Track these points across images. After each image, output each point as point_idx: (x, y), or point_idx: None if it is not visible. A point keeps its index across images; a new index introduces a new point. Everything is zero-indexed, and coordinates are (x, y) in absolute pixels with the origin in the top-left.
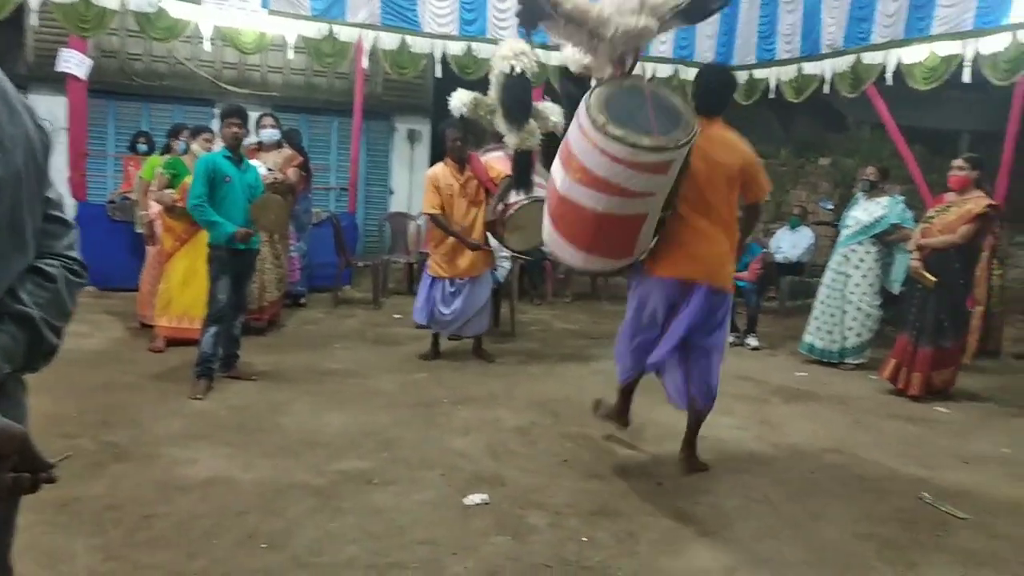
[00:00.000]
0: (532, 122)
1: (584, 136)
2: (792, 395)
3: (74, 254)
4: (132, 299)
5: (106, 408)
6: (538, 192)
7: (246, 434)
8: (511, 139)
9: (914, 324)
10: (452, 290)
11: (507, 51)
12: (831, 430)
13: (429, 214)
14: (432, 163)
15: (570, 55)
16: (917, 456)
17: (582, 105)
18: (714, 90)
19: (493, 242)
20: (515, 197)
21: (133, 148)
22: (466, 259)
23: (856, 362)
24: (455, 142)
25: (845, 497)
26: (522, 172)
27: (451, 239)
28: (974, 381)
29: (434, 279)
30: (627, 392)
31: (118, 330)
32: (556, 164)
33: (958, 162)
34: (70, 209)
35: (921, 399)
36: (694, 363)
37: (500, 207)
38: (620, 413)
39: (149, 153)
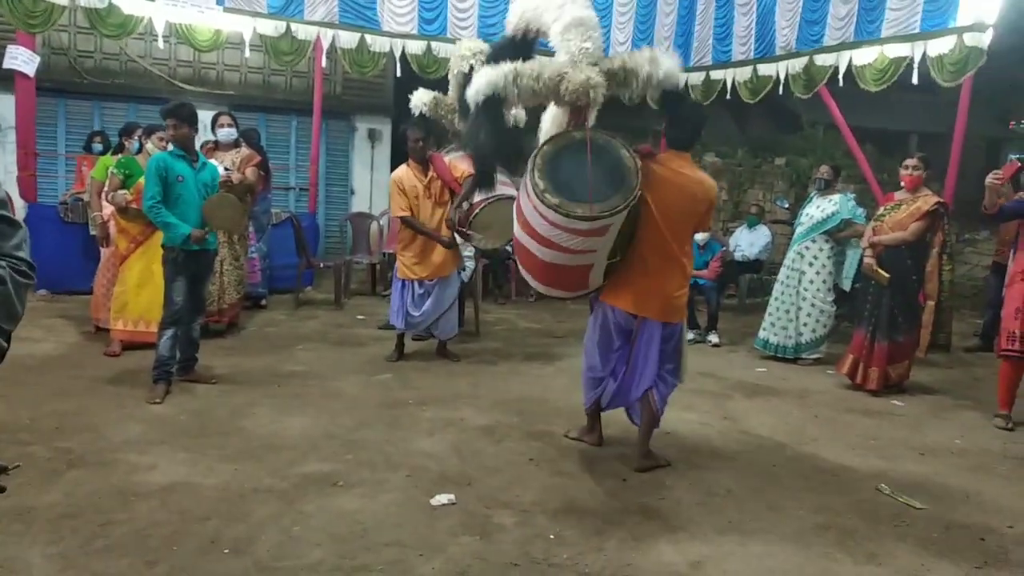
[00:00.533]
0: None
1: (528, 197)
2: (753, 390)
3: (22, 254)
4: (86, 302)
5: (61, 414)
6: (502, 190)
7: (206, 438)
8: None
9: (869, 320)
10: (421, 291)
11: (465, 51)
12: (791, 424)
13: (400, 217)
14: (393, 163)
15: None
16: (875, 448)
17: (529, 163)
18: (687, 128)
19: (458, 241)
20: (479, 196)
21: (88, 148)
22: (435, 260)
23: (813, 357)
24: (416, 142)
25: (806, 490)
26: (485, 172)
27: (419, 241)
28: (927, 375)
29: (404, 282)
30: (594, 414)
31: (72, 335)
32: (516, 209)
33: (911, 161)
34: (20, 210)
35: (878, 393)
36: (653, 391)
37: (465, 206)
38: (591, 432)
39: (105, 153)
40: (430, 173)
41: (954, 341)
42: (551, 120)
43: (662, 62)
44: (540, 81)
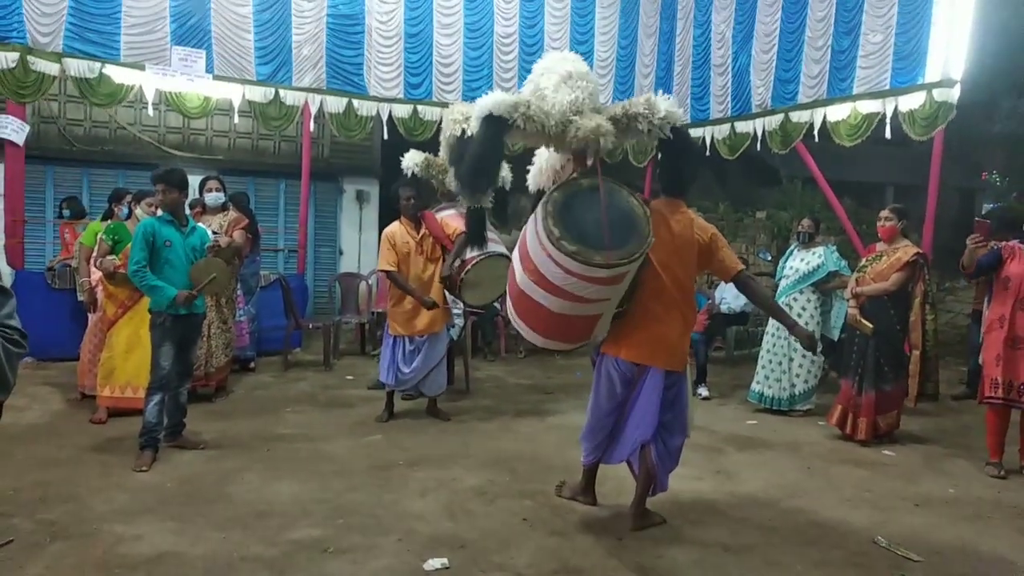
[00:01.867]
0: None
1: (540, 245)
2: (745, 443)
3: (14, 323)
4: (72, 369)
5: (45, 484)
6: (492, 247)
7: (194, 506)
8: (463, 199)
9: (856, 370)
10: (412, 348)
11: (457, 114)
12: (785, 477)
13: (385, 271)
14: (381, 223)
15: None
16: (869, 500)
17: (540, 210)
18: (685, 174)
19: (448, 298)
20: (471, 253)
21: (60, 215)
22: (425, 316)
23: (804, 408)
24: (408, 200)
25: (803, 544)
26: (476, 228)
27: (410, 298)
28: (916, 424)
29: (395, 338)
30: (591, 472)
31: (57, 402)
32: (515, 257)
33: (885, 213)
34: (7, 277)
35: (868, 443)
36: (662, 441)
37: (457, 263)
38: (586, 491)
39: (72, 219)
40: (422, 230)
41: (941, 389)
42: (545, 165)
43: (659, 104)
44: (550, 119)
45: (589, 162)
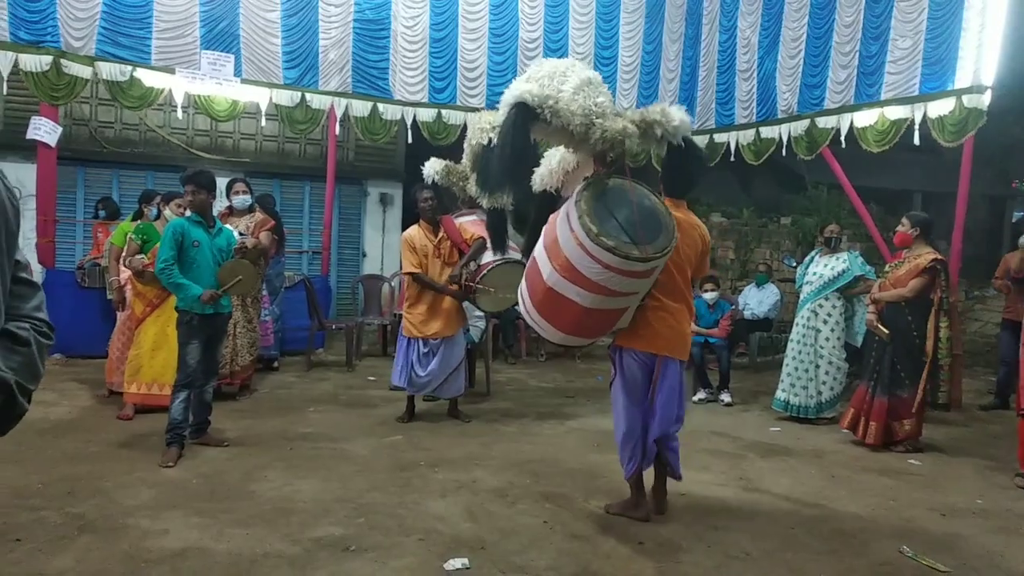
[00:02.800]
0: None
1: (576, 242)
2: (768, 450)
3: (42, 315)
4: (100, 366)
5: (73, 479)
6: (511, 254)
7: (218, 502)
8: (484, 200)
9: (872, 374)
10: (426, 350)
11: (484, 123)
12: (808, 485)
13: (411, 273)
14: (404, 226)
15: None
16: (894, 509)
17: (573, 208)
18: (691, 177)
19: (491, 308)
20: (488, 258)
21: (96, 215)
22: (440, 319)
23: (830, 416)
24: (426, 202)
25: (826, 552)
26: (497, 233)
27: (426, 299)
28: (943, 433)
29: (409, 340)
30: (639, 482)
31: (86, 398)
32: (541, 257)
33: (902, 219)
34: (37, 275)
35: (881, 448)
36: (672, 431)
37: (473, 267)
38: (636, 506)
39: (107, 219)
40: (440, 233)
41: (969, 399)
42: (556, 166)
43: (674, 113)
44: (575, 118)
45: (605, 162)
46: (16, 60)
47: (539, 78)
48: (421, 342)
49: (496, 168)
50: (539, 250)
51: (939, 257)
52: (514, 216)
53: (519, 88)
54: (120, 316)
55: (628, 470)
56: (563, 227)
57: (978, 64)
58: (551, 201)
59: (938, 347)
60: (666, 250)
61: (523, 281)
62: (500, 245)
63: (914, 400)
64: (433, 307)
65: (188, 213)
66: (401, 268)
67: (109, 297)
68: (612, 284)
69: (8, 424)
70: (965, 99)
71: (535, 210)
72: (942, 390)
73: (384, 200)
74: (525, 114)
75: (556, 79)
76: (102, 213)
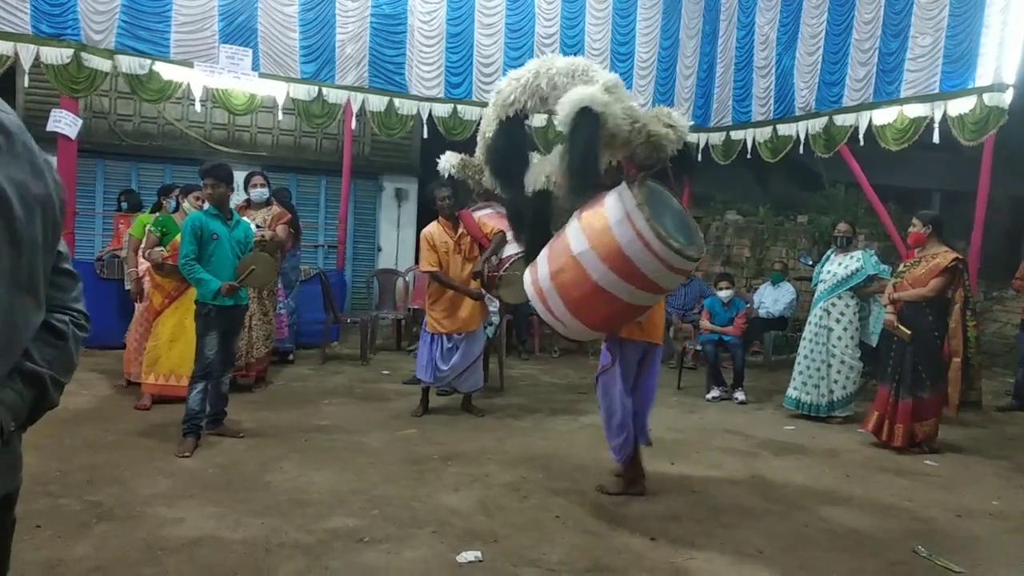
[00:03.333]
0: None
1: (643, 242)
2: (781, 449)
3: (80, 307)
4: (119, 357)
5: (91, 467)
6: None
7: (234, 492)
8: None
9: (893, 376)
10: (450, 345)
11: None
12: (822, 484)
13: (428, 271)
14: (419, 221)
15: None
16: (909, 509)
17: (634, 210)
18: (681, 177)
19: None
20: (510, 251)
21: (119, 207)
22: (464, 313)
23: (843, 415)
24: (444, 200)
25: (839, 551)
26: (518, 224)
27: (448, 295)
28: (959, 434)
29: (433, 336)
30: (635, 461)
31: (104, 388)
32: (589, 257)
33: (913, 219)
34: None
35: (905, 451)
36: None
37: (495, 261)
38: (634, 482)
39: (129, 211)
40: (460, 229)
41: (986, 400)
42: (551, 168)
43: (679, 119)
44: (623, 123)
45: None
46: (37, 53)
47: (560, 73)
48: (445, 338)
49: (574, 171)
50: (577, 249)
51: (960, 256)
52: (513, 213)
53: (585, 93)
54: (138, 307)
55: (623, 454)
56: (622, 228)
57: (999, 62)
58: (548, 200)
59: (968, 345)
60: (705, 249)
61: (545, 282)
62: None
63: (935, 401)
64: (455, 303)
65: (206, 206)
66: (417, 265)
67: (128, 288)
68: (664, 281)
69: (37, 415)
70: (986, 97)
71: (533, 208)
72: (973, 388)
73: (399, 195)
74: (591, 121)
75: (579, 78)
76: (124, 205)
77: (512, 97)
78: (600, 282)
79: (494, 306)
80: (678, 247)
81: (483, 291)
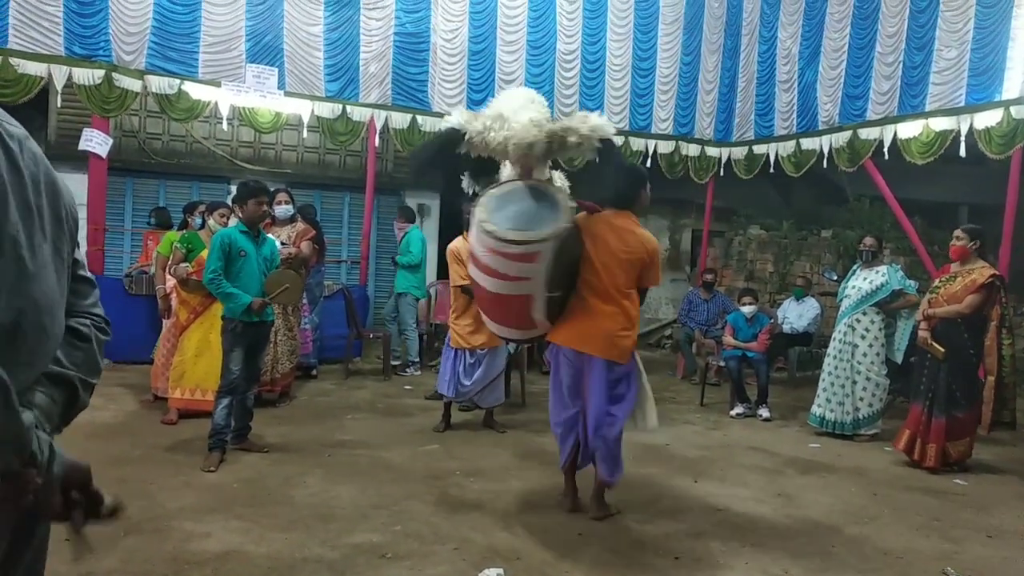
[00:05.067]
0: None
1: (475, 230)
2: (807, 467)
3: (99, 311)
4: (146, 372)
5: (119, 481)
6: None
7: (258, 507)
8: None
9: (926, 394)
10: (472, 360)
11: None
12: (849, 503)
13: (460, 286)
14: (441, 236)
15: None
16: (939, 529)
17: (478, 203)
18: (622, 188)
19: None
20: None
21: (149, 223)
22: (486, 329)
23: (870, 433)
24: (470, 214)
25: (868, 572)
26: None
27: (473, 310)
28: (990, 453)
29: (456, 351)
30: (569, 473)
31: (131, 403)
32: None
33: (957, 232)
34: None
35: (938, 471)
36: (599, 433)
37: None
38: (565, 495)
39: (158, 227)
40: None
41: (1020, 419)
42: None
43: (591, 118)
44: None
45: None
46: (70, 74)
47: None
48: (468, 353)
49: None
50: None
51: (997, 272)
52: None
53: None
54: (166, 323)
55: (561, 459)
56: (472, 222)
57: None
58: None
59: (1003, 364)
60: (543, 238)
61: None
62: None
63: (970, 420)
64: (480, 318)
65: (232, 223)
66: (440, 280)
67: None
68: (501, 267)
69: (69, 418)
70: (1013, 110)
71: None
72: (1007, 408)
73: (422, 211)
74: (453, 138)
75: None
76: (152, 221)
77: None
78: (470, 273)
79: None
80: (489, 229)
81: None
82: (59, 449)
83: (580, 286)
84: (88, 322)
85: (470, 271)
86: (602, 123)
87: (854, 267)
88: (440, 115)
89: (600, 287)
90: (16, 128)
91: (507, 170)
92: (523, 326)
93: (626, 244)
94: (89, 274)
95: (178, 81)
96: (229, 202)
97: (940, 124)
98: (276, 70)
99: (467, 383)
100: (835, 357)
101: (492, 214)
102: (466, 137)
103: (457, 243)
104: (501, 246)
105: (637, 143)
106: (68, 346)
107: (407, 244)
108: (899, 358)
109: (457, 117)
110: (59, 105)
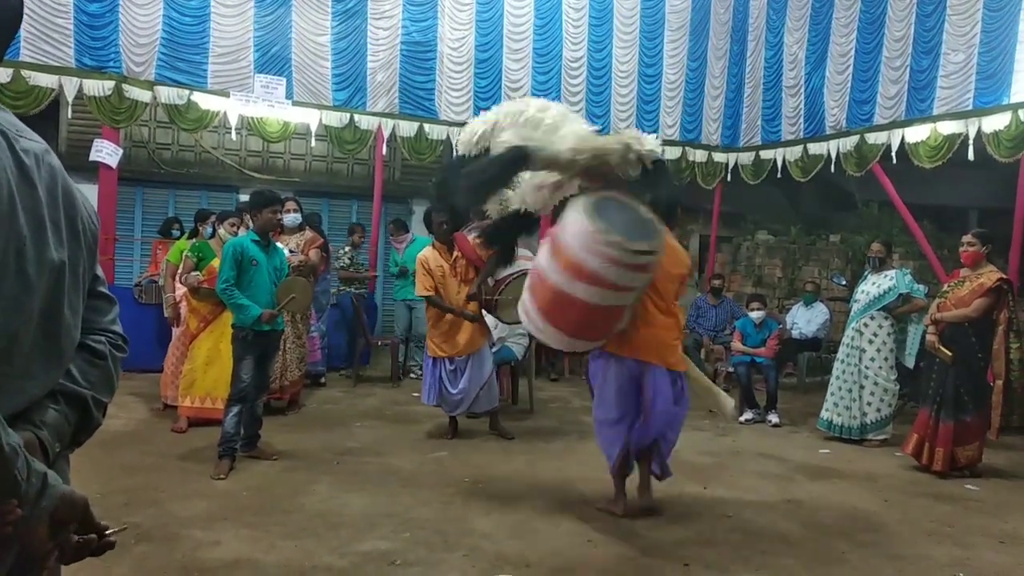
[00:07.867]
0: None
1: (582, 241)
2: (817, 472)
3: (117, 328)
4: (156, 380)
5: (130, 489)
6: (523, 264)
7: (268, 515)
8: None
9: (934, 398)
10: (452, 368)
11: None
12: (859, 508)
13: (424, 296)
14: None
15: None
16: (950, 535)
17: (578, 215)
18: (670, 208)
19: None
20: (506, 271)
21: (167, 233)
22: (463, 336)
23: (880, 438)
24: (440, 225)
25: None
26: (504, 246)
27: (447, 319)
28: (1002, 458)
29: (435, 360)
30: (621, 477)
31: (142, 411)
32: (546, 262)
33: (967, 237)
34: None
35: (947, 475)
36: (665, 433)
37: (491, 283)
38: (616, 500)
39: (181, 238)
40: (455, 253)
41: None
42: (539, 187)
43: (646, 139)
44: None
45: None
46: (80, 85)
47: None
48: (447, 361)
49: (475, 183)
50: (542, 261)
51: (1005, 276)
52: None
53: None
54: (175, 332)
55: (611, 463)
56: (566, 233)
57: None
58: (526, 220)
59: (1011, 368)
60: (660, 246)
61: (525, 295)
62: (508, 258)
63: (978, 425)
64: (453, 326)
65: (242, 232)
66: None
67: (166, 314)
68: (616, 278)
69: (84, 436)
70: (1021, 113)
71: (511, 228)
72: (1015, 412)
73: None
74: (521, 158)
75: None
76: (175, 232)
77: (477, 137)
78: (558, 285)
79: (522, 328)
80: (615, 240)
81: (480, 313)
82: (55, 481)
83: (644, 299)
84: (104, 339)
85: (561, 285)
86: (656, 145)
87: (864, 273)
88: (447, 123)
89: (658, 299)
90: (34, 143)
91: (537, 180)
92: (599, 337)
93: (676, 257)
94: (108, 291)
95: (187, 92)
96: (238, 210)
97: (948, 128)
98: (284, 80)
99: (453, 392)
100: (843, 361)
101: (606, 224)
102: (531, 156)
103: (426, 253)
104: (629, 257)
105: None
106: (84, 363)
107: (416, 253)
108: (911, 362)
109: (510, 136)
110: (70, 116)
